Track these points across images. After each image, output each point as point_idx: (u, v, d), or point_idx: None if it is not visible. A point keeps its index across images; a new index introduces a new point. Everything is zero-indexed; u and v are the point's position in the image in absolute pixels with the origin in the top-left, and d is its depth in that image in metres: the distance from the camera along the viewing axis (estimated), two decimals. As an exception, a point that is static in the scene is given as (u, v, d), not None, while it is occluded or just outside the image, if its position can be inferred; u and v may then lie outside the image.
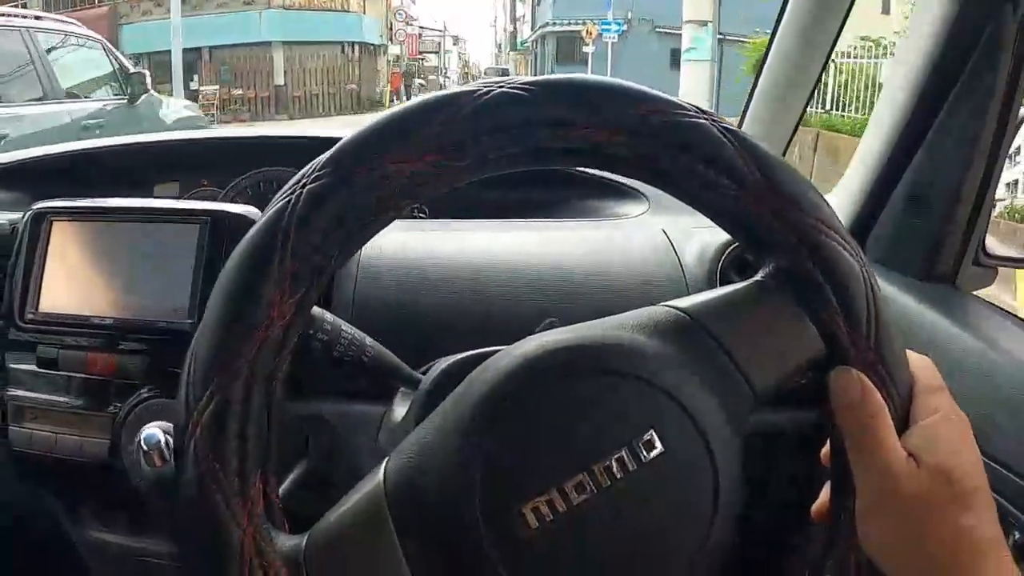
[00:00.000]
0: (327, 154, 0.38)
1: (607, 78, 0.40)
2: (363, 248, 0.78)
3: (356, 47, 24.20)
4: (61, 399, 0.78)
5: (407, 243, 0.81)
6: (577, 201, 1.01)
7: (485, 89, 0.38)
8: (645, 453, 0.37)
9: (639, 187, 0.96)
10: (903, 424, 0.40)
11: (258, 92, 20.64)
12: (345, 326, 0.58)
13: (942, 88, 0.73)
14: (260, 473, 0.37)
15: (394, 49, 29.54)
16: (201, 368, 0.36)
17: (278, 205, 0.37)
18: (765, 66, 0.99)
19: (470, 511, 0.36)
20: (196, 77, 19.30)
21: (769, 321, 0.40)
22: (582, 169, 1.01)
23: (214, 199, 1.03)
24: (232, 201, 1.00)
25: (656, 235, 0.83)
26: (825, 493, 0.43)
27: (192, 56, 19.26)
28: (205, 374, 0.36)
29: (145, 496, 0.72)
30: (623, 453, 0.37)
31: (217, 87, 18.86)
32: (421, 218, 1.01)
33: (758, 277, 0.42)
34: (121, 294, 0.77)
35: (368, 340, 0.59)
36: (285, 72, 21.50)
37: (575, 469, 0.36)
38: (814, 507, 0.45)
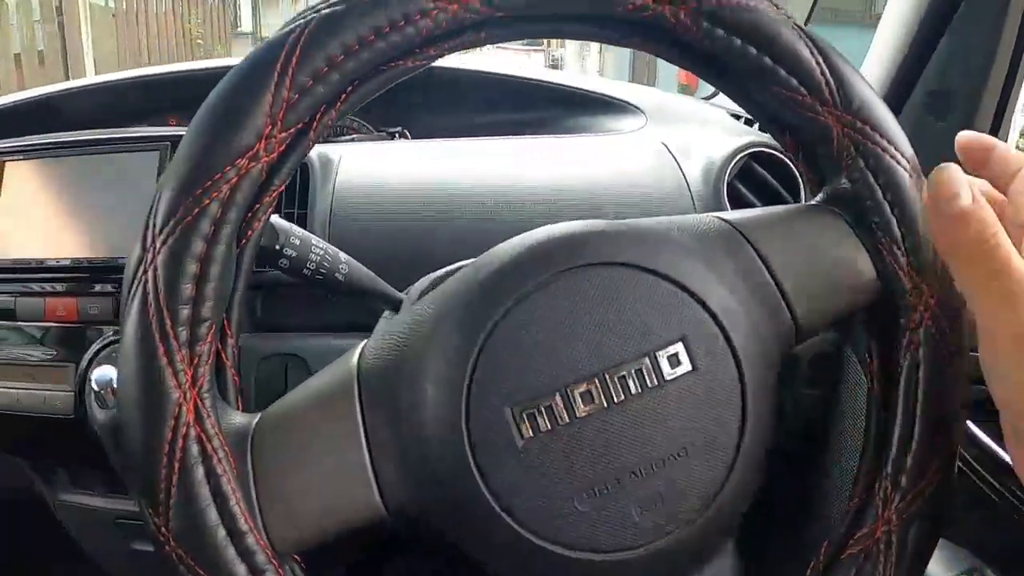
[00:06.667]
0: None
1: None
2: (339, 170, 0.73)
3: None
4: (21, 352, 0.73)
5: (386, 164, 0.75)
6: (569, 119, 0.95)
7: None
8: (669, 369, 0.32)
9: (634, 102, 0.90)
10: None
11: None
12: (316, 240, 0.53)
13: None
14: (215, 330, 0.32)
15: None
16: (167, 196, 0.31)
17: (287, 28, 0.32)
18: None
19: (454, 404, 0.31)
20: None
21: (823, 248, 0.36)
22: (572, 84, 0.95)
23: None
24: None
25: (656, 148, 0.77)
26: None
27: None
28: (170, 203, 0.31)
29: (100, 442, 0.67)
30: (643, 365, 0.31)
31: None
32: (404, 140, 0.94)
33: (813, 200, 0.38)
34: (80, 233, 0.72)
35: (343, 256, 0.54)
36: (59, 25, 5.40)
37: (583, 376, 0.31)
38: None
